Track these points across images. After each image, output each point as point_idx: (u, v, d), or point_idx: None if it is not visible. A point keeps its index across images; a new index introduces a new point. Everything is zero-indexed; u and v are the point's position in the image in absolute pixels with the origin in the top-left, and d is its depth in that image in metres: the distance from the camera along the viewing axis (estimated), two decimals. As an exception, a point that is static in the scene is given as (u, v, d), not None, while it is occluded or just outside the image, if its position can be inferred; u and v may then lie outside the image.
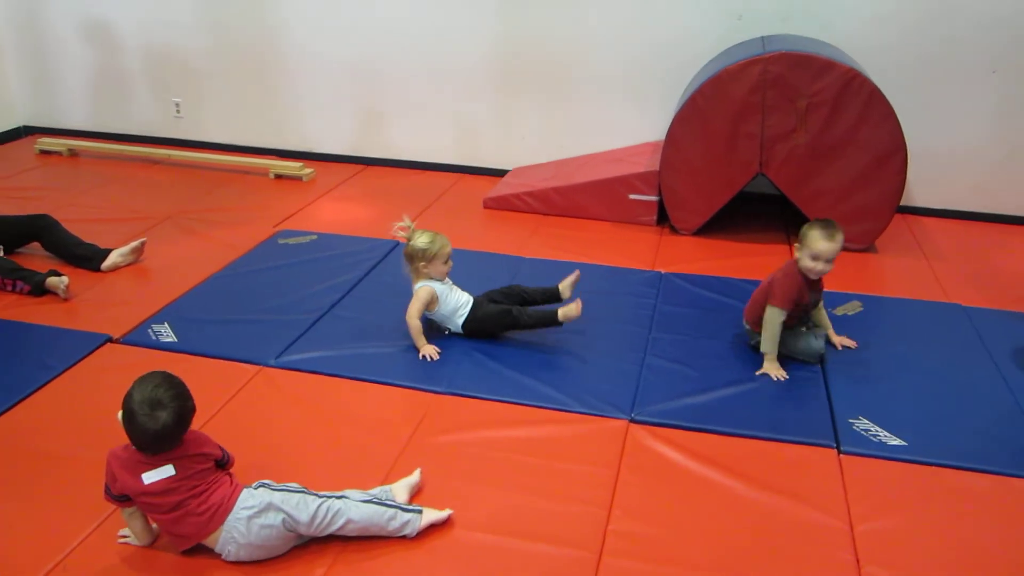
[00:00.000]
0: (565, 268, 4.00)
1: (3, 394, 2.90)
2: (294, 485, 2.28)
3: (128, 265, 3.95)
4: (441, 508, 2.37)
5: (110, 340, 3.29)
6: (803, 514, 2.44)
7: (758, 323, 3.20)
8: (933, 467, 2.64)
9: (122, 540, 2.28)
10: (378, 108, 5.52)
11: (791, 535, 2.36)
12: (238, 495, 2.19)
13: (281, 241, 4.28)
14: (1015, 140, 4.65)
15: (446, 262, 3.28)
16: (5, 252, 3.88)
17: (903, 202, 4.44)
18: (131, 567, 2.22)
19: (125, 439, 2.16)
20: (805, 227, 3.08)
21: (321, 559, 2.23)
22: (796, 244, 3.10)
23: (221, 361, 3.15)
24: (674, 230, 4.55)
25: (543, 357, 3.23)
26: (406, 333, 3.27)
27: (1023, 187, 4.74)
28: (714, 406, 2.93)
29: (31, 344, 3.25)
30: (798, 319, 3.20)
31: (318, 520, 2.21)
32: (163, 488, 2.12)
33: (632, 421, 2.85)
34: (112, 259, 3.89)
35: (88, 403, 2.88)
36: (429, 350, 3.21)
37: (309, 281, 3.80)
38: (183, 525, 2.16)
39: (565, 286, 3.41)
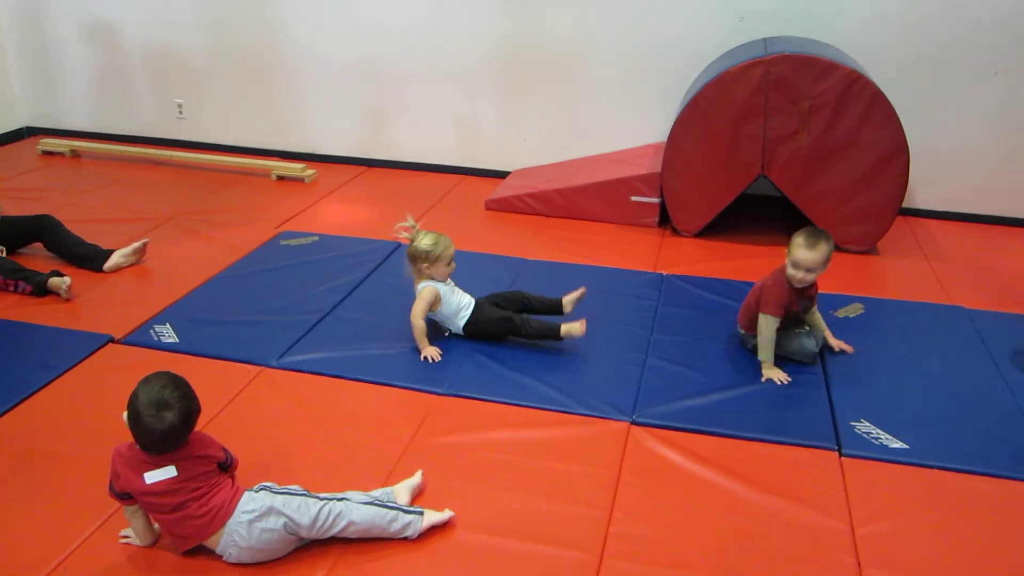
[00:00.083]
0: (567, 270, 4.02)
1: (5, 394, 2.91)
2: (296, 488, 2.28)
3: (130, 266, 3.95)
4: (442, 509, 2.37)
5: (112, 340, 3.29)
6: (804, 517, 2.43)
7: (751, 327, 3.22)
8: (935, 470, 2.64)
9: (123, 540, 2.28)
10: (380, 109, 5.52)
11: (792, 538, 2.36)
12: (239, 498, 2.19)
13: (283, 242, 4.28)
14: (1017, 142, 4.64)
15: (449, 264, 3.27)
16: (7, 252, 3.89)
17: (905, 204, 4.43)
18: (132, 567, 2.22)
19: (126, 439, 2.16)
20: (794, 233, 3.08)
21: (322, 561, 2.23)
22: (786, 249, 3.10)
23: (223, 362, 3.16)
24: (676, 232, 4.55)
25: (544, 358, 3.23)
26: (408, 334, 3.27)
27: (1025, 189, 4.75)
28: (715, 408, 2.93)
29: (33, 344, 3.26)
30: (792, 322, 3.20)
31: (320, 523, 2.21)
32: (165, 489, 2.12)
33: (633, 423, 2.85)
34: (114, 260, 3.90)
35: (89, 403, 2.89)
36: (431, 352, 3.20)
37: (311, 282, 3.80)
38: (183, 526, 2.16)
39: (568, 300, 3.40)
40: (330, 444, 2.72)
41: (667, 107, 4.92)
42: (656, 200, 4.56)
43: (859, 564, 2.26)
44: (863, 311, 3.66)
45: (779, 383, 3.08)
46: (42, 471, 2.56)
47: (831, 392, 3.04)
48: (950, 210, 4.88)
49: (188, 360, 3.09)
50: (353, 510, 2.24)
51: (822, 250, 3.01)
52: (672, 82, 4.91)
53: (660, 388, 3.04)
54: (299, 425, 2.82)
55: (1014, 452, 2.73)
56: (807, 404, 2.98)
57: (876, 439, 2.76)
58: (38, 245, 4.04)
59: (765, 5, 4.69)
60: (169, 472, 2.12)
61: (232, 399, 2.93)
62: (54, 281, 3.58)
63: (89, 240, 3.99)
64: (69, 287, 3.59)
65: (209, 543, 2.19)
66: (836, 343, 3.29)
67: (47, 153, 5.74)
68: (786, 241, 3.10)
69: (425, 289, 3.25)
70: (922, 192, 4.86)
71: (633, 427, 2.83)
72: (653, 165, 4.58)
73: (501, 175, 5.39)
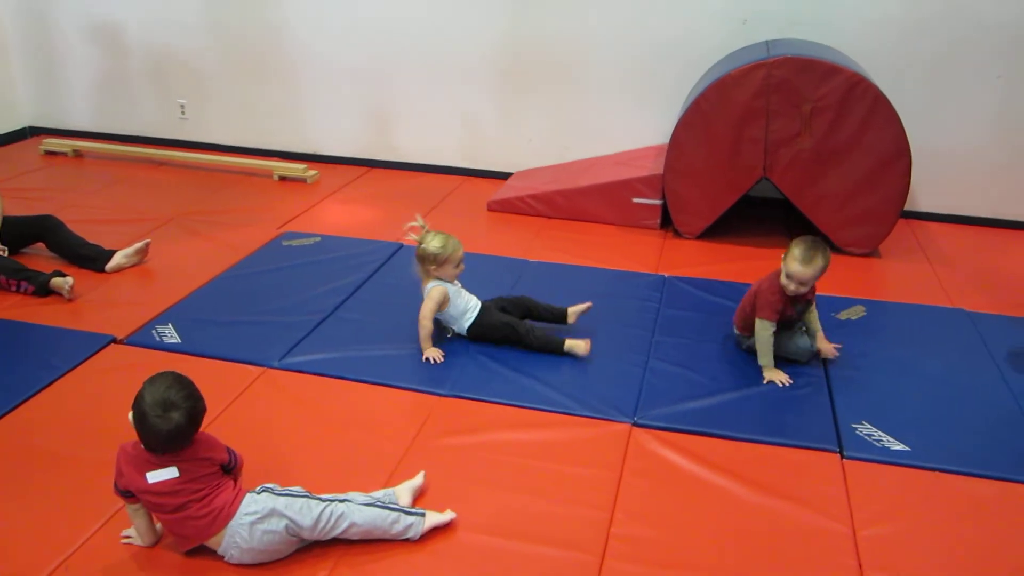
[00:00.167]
0: (568, 271, 4.02)
1: (7, 394, 2.91)
2: (297, 489, 2.28)
3: (132, 266, 3.96)
4: (444, 510, 2.37)
5: (114, 341, 3.29)
6: (806, 519, 2.43)
7: (746, 327, 3.23)
8: (936, 472, 2.64)
9: (125, 540, 2.28)
10: (382, 110, 5.53)
11: (794, 540, 2.36)
12: (241, 500, 2.19)
13: (285, 243, 4.28)
14: (1020, 144, 4.65)
15: (457, 266, 3.27)
16: (10, 252, 3.89)
17: (907, 206, 4.43)
18: (133, 567, 2.22)
19: (128, 439, 2.17)
20: (796, 240, 3.07)
21: (324, 562, 2.23)
22: (783, 255, 3.10)
23: (225, 362, 3.16)
24: (678, 234, 4.55)
25: (546, 360, 3.23)
26: (410, 335, 3.27)
27: (1028, 192, 4.75)
28: (717, 410, 2.93)
29: (35, 344, 3.26)
30: (788, 323, 3.20)
31: (321, 524, 2.21)
32: (166, 489, 2.12)
33: (635, 425, 2.85)
34: (116, 260, 3.90)
35: (92, 403, 2.89)
36: (434, 353, 3.20)
37: (313, 283, 3.81)
38: (185, 527, 2.17)
39: (574, 311, 3.41)
40: (332, 445, 2.72)
41: (669, 109, 4.92)
42: (658, 202, 4.57)
43: (860, 566, 2.26)
44: (865, 313, 3.66)
45: (780, 385, 3.08)
46: (44, 471, 2.56)
47: (833, 394, 3.04)
48: (952, 213, 4.89)
49: (190, 360, 3.09)
50: (355, 512, 2.25)
51: (817, 266, 3.01)
52: (674, 84, 4.91)
53: (662, 390, 3.04)
54: (301, 426, 2.82)
55: (1015, 454, 2.73)
56: (808, 406, 2.98)
57: (878, 441, 2.76)
58: (40, 245, 4.04)
59: (767, 8, 4.69)
60: (171, 473, 2.13)
61: (234, 400, 2.93)
62: (56, 281, 3.59)
63: (91, 240, 3.99)
64: (71, 287, 3.59)
65: (211, 543, 2.20)
66: (825, 347, 3.25)
67: (49, 153, 5.74)
68: (788, 244, 3.09)
69: (434, 289, 3.24)
70: (924, 195, 4.87)
71: (635, 429, 2.83)
72: (655, 167, 4.58)
73: (503, 176, 5.40)
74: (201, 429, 2.21)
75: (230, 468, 2.27)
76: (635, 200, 4.60)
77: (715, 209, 4.42)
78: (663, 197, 4.51)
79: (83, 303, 3.61)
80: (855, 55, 4.51)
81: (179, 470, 2.13)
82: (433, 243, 3.23)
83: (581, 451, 2.70)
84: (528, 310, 3.40)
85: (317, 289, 3.74)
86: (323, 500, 2.25)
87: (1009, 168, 4.70)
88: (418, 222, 3.32)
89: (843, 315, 3.63)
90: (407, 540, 2.29)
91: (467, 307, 3.30)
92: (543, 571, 2.22)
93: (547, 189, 4.78)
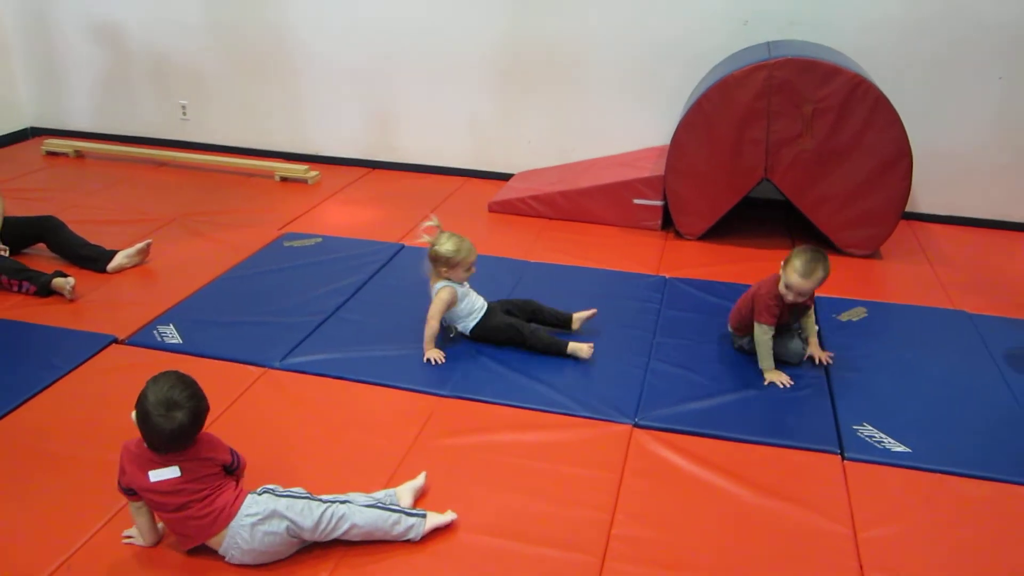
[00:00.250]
0: (570, 272, 4.02)
1: (9, 394, 2.91)
2: (298, 490, 2.28)
3: (134, 266, 3.96)
4: (445, 511, 2.37)
5: (115, 341, 3.30)
6: (807, 520, 2.43)
7: (740, 327, 3.25)
8: (937, 474, 2.64)
9: (127, 540, 2.28)
10: (383, 111, 5.53)
11: (795, 541, 2.36)
12: (242, 500, 2.19)
13: (287, 243, 4.29)
14: (1021, 145, 4.64)
15: (468, 269, 3.27)
16: (11, 253, 3.89)
17: (908, 208, 4.43)
18: (135, 567, 2.22)
19: (129, 438, 2.17)
20: (797, 249, 3.06)
21: (324, 563, 2.23)
22: (783, 262, 3.11)
23: (226, 363, 3.16)
24: (679, 235, 4.55)
25: (548, 361, 3.23)
26: (411, 336, 3.28)
27: (1029, 194, 4.75)
28: (718, 411, 2.93)
29: (37, 345, 3.26)
30: (783, 328, 3.20)
31: (322, 526, 2.21)
32: (168, 488, 2.13)
33: (636, 426, 2.85)
34: (118, 260, 3.90)
35: (93, 404, 2.89)
36: (435, 354, 3.20)
37: (314, 284, 3.81)
38: (186, 526, 2.17)
39: (579, 317, 3.41)
40: (333, 445, 2.72)
41: (669, 109, 4.92)
42: (659, 203, 4.57)
43: (861, 568, 2.26)
44: (866, 315, 3.66)
45: (782, 386, 3.08)
46: (45, 471, 2.56)
47: (834, 396, 3.04)
48: (953, 214, 4.88)
49: (191, 361, 3.10)
50: (356, 513, 2.25)
51: (816, 279, 3.02)
52: (675, 85, 4.91)
53: (663, 391, 3.04)
54: (302, 426, 2.82)
55: (1016, 456, 2.73)
56: (810, 407, 2.98)
57: (879, 443, 2.76)
58: (42, 246, 4.05)
59: (769, 9, 4.69)
60: (173, 472, 2.13)
61: (235, 400, 2.93)
62: (58, 282, 3.59)
63: (93, 241, 4.00)
64: (73, 288, 3.59)
65: (212, 544, 2.20)
66: (818, 353, 3.24)
67: (51, 154, 5.75)
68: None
69: (443, 290, 3.24)
70: (925, 196, 4.87)
71: (636, 430, 2.83)
72: (656, 168, 4.58)
73: (504, 177, 5.40)
74: (203, 429, 2.21)
75: (233, 469, 2.27)
76: (636, 201, 4.60)
77: (716, 210, 4.42)
78: (664, 198, 4.51)
79: (84, 303, 3.62)
80: (856, 56, 4.51)
81: (181, 469, 2.14)
82: (447, 245, 3.22)
83: (582, 452, 2.70)
84: (533, 313, 3.40)
85: (318, 290, 3.75)
86: (324, 501, 2.25)
87: (1010, 169, 4.70)
88: (433, 222, 3.32)
89: (844, 316, 3.63)
90: (408, 541, 2.29)
91: (474, 308, 3.30)
92: (544, 572, 2.22)
93: (548, 190, 4.78)
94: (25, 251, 4.04)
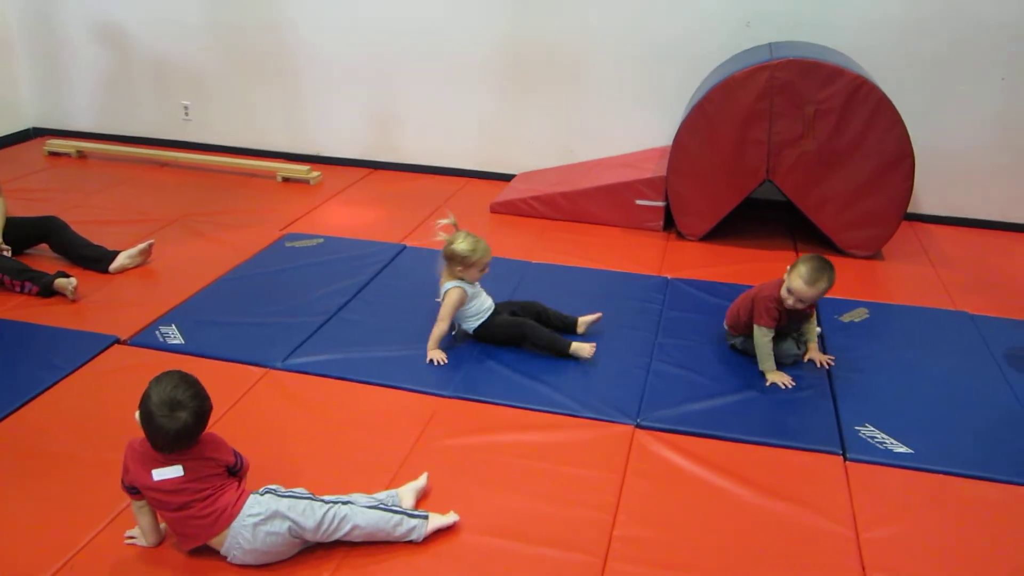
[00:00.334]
0: (571, 273, 4.03)
1: (11, 395, 2.92)
2: (301, 490, 2.28)
3: (136, 267, 3.96)
4: (447, 512, 2.37)
5: (118, 342, 3.30)
6: (809, 521, 2.43)
7: (735, 326, 3.26)
8: (939, 475, 2.64)
9: (129, 541, 2.29)
10: (384, 112, 5.53)
11: (797, 542, 2.36)
12: (244, 500, 2.20)
13: (288, 244, 4.29)
14: (1023, 146, 4.64)
15: (482, 269, 3.27)
16: (14, 253, 3.89)
17: (910, 209, 4.43)
18: (137, 568, 2.22)
19: (130, 439, 2.17)
20: (805, 256, 3.07)
21: (326, 563, 2.23)
22: (788, 267, 3.11)
23: (228, 363, 3.16)
24: (681, 236, 4.55)
25: (550, 362, 3.23)
26: (413, 336, 3.28)
27: (1031, 195, 4.75)
28: (720, 412, 2.93)
29: (39, 345, 3.27)
30: (782, 332, 3.20)
31: (324, 527, 2.21)
32: (170, 487, 2.13)
33: (638, 426, 2.85)
34: (120, 261, 3.91)
35: (95, 404, 2.89)
36: (438, 355, 3.21)
37: (316, 284, 3.81)
38: (187, 526, 2.17)
39: (584, 321, 3.41)
40: (335, 446, 2.72)
41: (671, 110, 4.92)
42: (661, 204, 4.57)
43: (863, 569, 2.26)
44: (868, 316, 3.66)
45: (783, 387, 3.08)
46: (47, 471, 2.56)
47: (836, 397, 3.04)
48: (955, 215, 4.88)
49: (194, 361, 3.10)
50: (358, 514, 2.25)
51: (820, 288, 3.03)
52: (677, 85, 4.91)
53: (665, 392, 3.04)
54: (304, 427, 2.82)
55: (1018, 457, 2.73)
56: (812, 408, 2.98)
57: (881, 443, 2.76)
58: (44, 246, 4.05)
59: (771, 10, 4.69)
60: (176, 471, 2.13)
61: (237, 401, 2.94)
62: (60, 282, 3.59)
63: (95, 241, 4.00)
64: (75, 288, 3.59)
65: (213, 544, 2.20)
66: (818, 356, 3.25)
67: (53, 154, 5.75)
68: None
69: (453, 291, 3.23)
70: (927, 197, 4.86)
71: (638, 431, 2.83)
72: (658, 169, 4.58)
73: (506, 178, 5.40)
74: (206, 429, 2.21)
75: (236, 471, 2.27)
76: (638, 202, 4.60)
77: (718, 211, 4.42)
78: (666, 199, 4.51)
79: (87, 304, 3.62)
80: (858, 57, 4.51)
81: (184, 469, 2.14)
82: (463, 244, 3.22)
83: (584, 453, 2.70)
84: (538, 316, 3.40)
85: (320, 290, 3.75)
86: (326, 502, 2.25)
87: (1012, 170, 4.70)
88: (450, 219, 3.32)
89: (846, 317, 3.63)
90: (410, 542, 2.29)
91: (481, 309, 3.30)
92: (546, 573, 2.22)
93: (550, 191, 4.78)
94: (28, 251, 4.05)
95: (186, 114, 5.90)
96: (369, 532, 2.26)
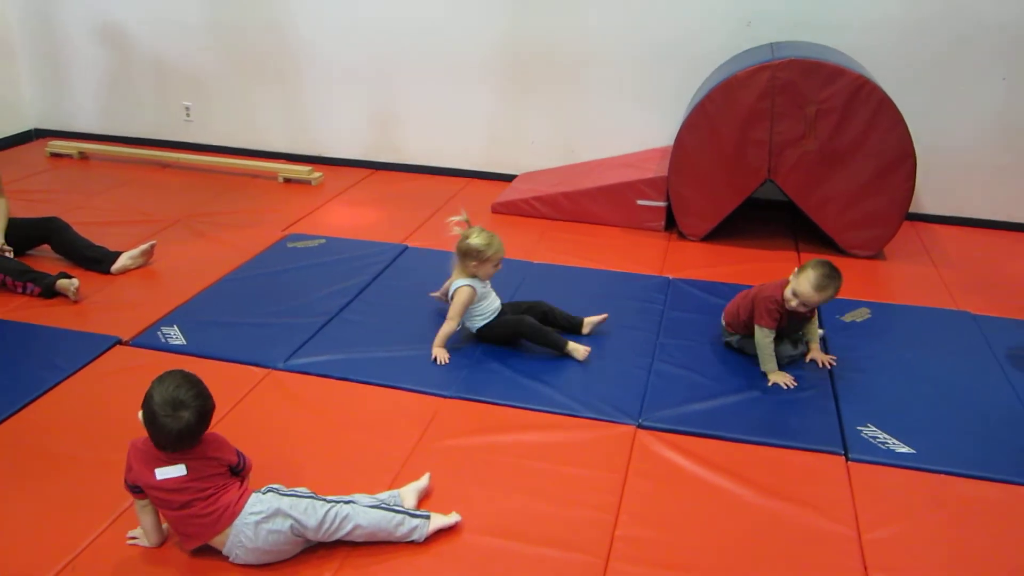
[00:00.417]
0: (573, 274, 4.03)
1: (13, 395, 2.92)
2: (303, 490, 2.29)
3: (138, 268, 3.97)
4: (449, 512, 2.37)
5: (119, 342, 3.30)
6: (811, 521, 2.43)
7: (732, 325, 3.27)
8: (941, 475, 2.64)
9: (131, 542, 2.29)
10: (386, 112, 5.54)
11: (799, 542, 2.36)
12: (246, 499, 2.20)
13: (290, 245, 4.29)
14: (1025, 147, 4.65)
15: (496, 265, 3.27)
16: (15, 254, 3.90)
17: (912, 209, 4.44)
18: (139, 569, 2.22)
19: (133, 439, 2.18)
20: (814, 261, 3.06)
21: (328, 563, 2.24)
22: (795, 269, 3.10)
23: (230, 364, 3.16)
24: (682, 236, 4.55)
25: (551, 362, 3.23)
26: (415, 337, 3.28)
27: (1033, 195, 4.74)
28: (722, 412, 2.93)
29: (41, 346, 3.27)
30: (781, 333, 3.20)
31: (326, 526, 2.21)
32: (173, 486, 2.13)
33: (640, 426, 2.85)
34: (122, 262, 3.91)
35: (97, 405, 2.89)
36: (441, 355, 3.21)
37: (318, 285, 3.81)
38: (189, 525, 2.18)
39: (589, 322, 3.42)
40: (337, 446, 2.72)
41: (672, 110, 4.92)
42: (662, 204, 4.57)
43: (865, 569, 2.26)
44: (869, 316, 3.66)
45: (785, 387, 3.08)
46: (49, 472, 2.56)
47: (838, 397, 3.04)
48: (957, 215, 4.88)
49: (195, 362, 3.10)
50: (360, 513, 2.25)
51: (826, 295, 3.03)
52: (678, 85, 4.91)
53: (666, 392, 3.04)
54: (306, 427, 2.82)
55: (1020, 457, 2.72)
56: (814, 408, 2.98)
57: (883, 444, 2.76)
58: (46, 247, 4.05)
59: (772, 10, 4.69)
60: (179, 470, 2.14)
61: (239, 401, 2.94)
62: (62, 283, 3.59)
63: (97, 242, 4.00)
64: (77, 289, 3.60)
65: (215, 543, 2.20)
66: (820, 357, 3.25)
67: (55, 155, 5.76)
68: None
69: (463, 290, 3.23)
70: (929, 197, 4.86)
71: (639, 431, 2.83)
72: (659, 169, 4.58)
73: (508, 178, 5.40)
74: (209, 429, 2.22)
75: (238, 470, 2.28)
76: (639, 202, 4.60)
77: (719, 211, 4.42)
78: (667, 199, 4.51)
79: (88, 305, 3.62)
80: (860, 57, 4.50)
81: (187, 468, 2.14)
82: (478, 239, 3.22)
83: (585, 453, 2.70)
84: (544, 316, 3.40)
85: (322, 291, 3.75)
86: (328, 501, 2.25)
87: (1013, 170, 4.70)
88: (462, 216, 3.32)
89: (848, 317, 3.62)
90: (412, 542, 2.29)
91: (489, 309, 3.30)
92: (548, 573, 2.22)
93: (551, 191, 4.78)
94: (29, 252, 4.05)
95: (188, 115, 5.90)
96: (371, 532, 2.26)
